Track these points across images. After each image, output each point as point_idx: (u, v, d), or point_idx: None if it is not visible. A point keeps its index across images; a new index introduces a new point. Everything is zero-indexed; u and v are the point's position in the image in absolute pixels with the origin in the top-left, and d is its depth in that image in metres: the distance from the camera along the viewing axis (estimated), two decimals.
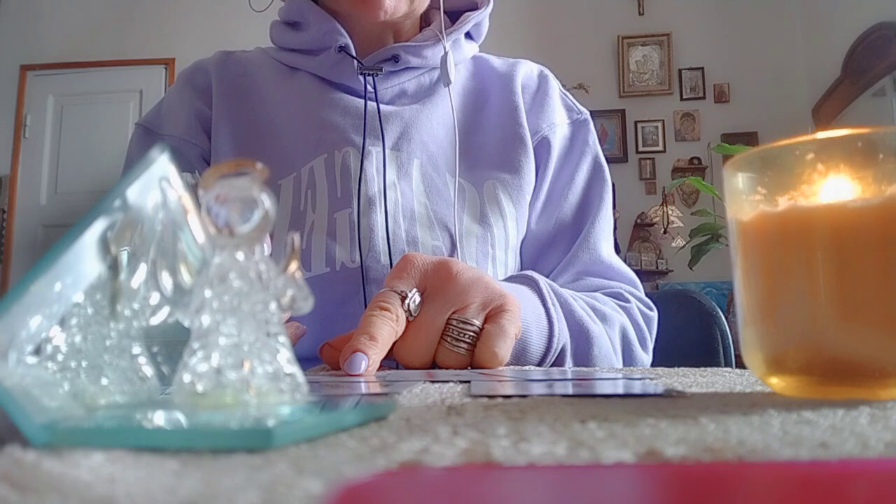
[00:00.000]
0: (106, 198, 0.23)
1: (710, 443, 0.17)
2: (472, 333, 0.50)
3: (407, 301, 0.50)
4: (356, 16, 0.74)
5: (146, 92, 4.05)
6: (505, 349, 0.50)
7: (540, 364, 0.59)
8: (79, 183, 3.91)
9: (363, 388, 0.34)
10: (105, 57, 4.07)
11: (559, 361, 0.60)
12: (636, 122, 4.03)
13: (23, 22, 4.11)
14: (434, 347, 0.50)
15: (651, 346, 0.71)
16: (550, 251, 0.75)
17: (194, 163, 0.73)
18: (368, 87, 0.74)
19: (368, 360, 0.44)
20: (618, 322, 0.67)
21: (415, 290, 0.51)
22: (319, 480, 0.13)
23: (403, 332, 0.50)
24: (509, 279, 0.63)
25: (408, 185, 0.71)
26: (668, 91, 4.05)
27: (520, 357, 0.57)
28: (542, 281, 0.61)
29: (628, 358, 0.68)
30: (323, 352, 0.53)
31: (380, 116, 0.72)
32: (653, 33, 4.01)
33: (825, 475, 0.14)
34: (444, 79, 0.74)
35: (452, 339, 0.50)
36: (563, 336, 0.59)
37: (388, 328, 0.48)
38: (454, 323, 0.50)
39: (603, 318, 0.66)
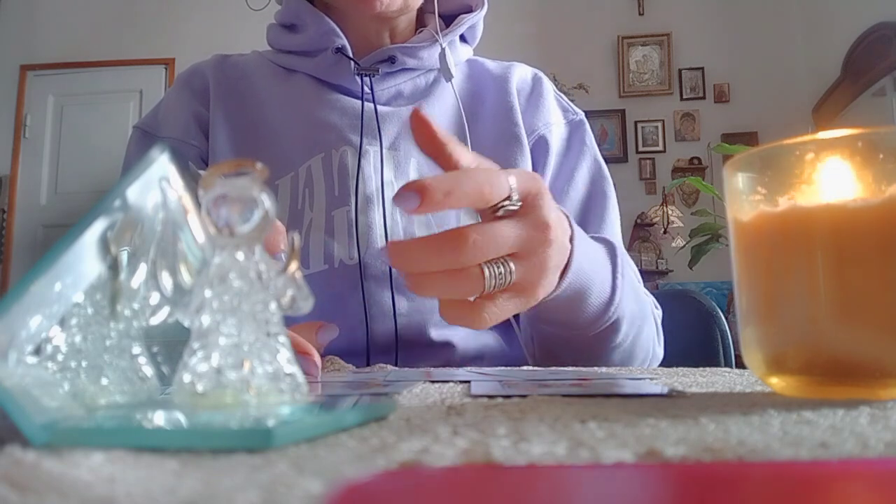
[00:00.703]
0: (106, 198, 0.23)
1: (710, 443, 0.17)
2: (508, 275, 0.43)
3: (506, 203, 0.42)
4: (353, 11, 0.74)
5: (146, 92, 4.05)
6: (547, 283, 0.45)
7: (591, 328, 0.57)
8: (79, 183, 3.91)
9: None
10: (105, 57, 4.07)
11: (612, 330, 0.59)
12: (636, 122, 4.02)
13: (23, 22, 4.11)
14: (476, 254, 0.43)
15: (662, 342, 0.72)
16: None
17: (193, 164, 0.74)
18: (365, 88, 0.74)
19: (420, 201, 0.37)
20: (651, 312, 0.68)
21: (519, 201, 0.43)
22: (319, 480, 0.13)
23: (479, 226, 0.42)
24: (593, 237, 0.60)
25: None
26: (668, 91, 4.04)
27: (573, 314, 0.54)
28: (620, 251, 0.60)
29: (653, 350, 0.68)
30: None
31: (377, 116, 0.73)
32: (653, 33, 4.00)
33: (825, 475, 0.14)
34: (445, 73, 0.75)
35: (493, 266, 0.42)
36: (621, 308, 0.58)
37: (474, 185, 0.39)
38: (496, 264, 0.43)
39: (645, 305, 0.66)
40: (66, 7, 4.12)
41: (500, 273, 0.42)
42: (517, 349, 0.74)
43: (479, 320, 0.42)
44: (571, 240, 0.50)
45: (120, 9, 4.11)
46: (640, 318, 0.63)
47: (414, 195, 0.37)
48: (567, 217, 0.50)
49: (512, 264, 0.43)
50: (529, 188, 0.44)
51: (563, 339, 0.60)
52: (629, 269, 0.62)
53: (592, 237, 0.60)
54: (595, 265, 0.56)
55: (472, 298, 0.42)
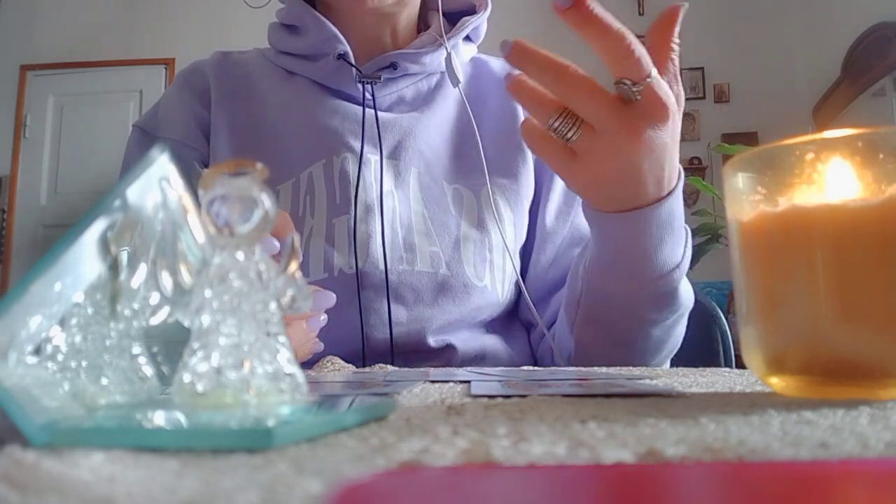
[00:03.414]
0: (106, 198, 0.23)
1: (710, 443, 0.17)
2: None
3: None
4: (347, 8, 0.74)
5: (146, 92, 4.05)
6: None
7: (653, 285, 0.56)
8: (79, 183, 3.91)
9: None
10: (105, 57, 4.07)
11: (662, 302, 0.58)
12: None
13: (23, 22, 4.11)
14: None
15: None
16: (570, 252, 0.75)
17: (197, 165, 0.73)
18: (367, 95, 0.74)
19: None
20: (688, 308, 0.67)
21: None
22: (319, 480, 0.13)
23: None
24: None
25: (405, 194, 0.71)
26: None
27: (654, 250, 0.54)
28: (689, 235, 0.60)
29: (677, 347, 0.67)
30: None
31: (378, 124, 0.72)
32: None
33: (825, 475, 0.14)
34: (453, 79, 0.74)
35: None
36: (681, 275, 0.57)
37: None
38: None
39: None
40: (66, 7, 4.12)
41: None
42: (517, 350, 0.74)
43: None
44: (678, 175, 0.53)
45: (120, 9, 4.11)
46: (687, 304, 0.61)
47: None
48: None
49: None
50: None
51: (621, 297, 0.58)
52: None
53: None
54: (681, 215, 0.56)
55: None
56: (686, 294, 0.60)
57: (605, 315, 0.60)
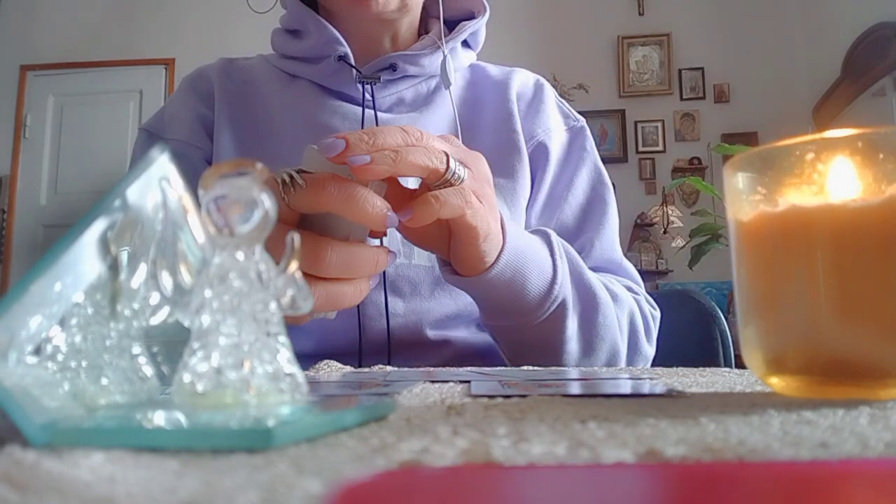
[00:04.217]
0: (106, 198, 0.23)
1: (710, 443, 0.17)
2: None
3: (452, 169, 0.46)
4: (351, 14, 0.74)
5: (146, 92, 4.05)
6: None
7: (538, 311, 0.58)
8: (79, 183, 3.91)
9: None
10: (105, 57, 4.07)
11: (560, 316, 0.59)
12: (636, 122, 4.03)
13: (23, 22, 4.11)
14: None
15: (654, 341, 0.72)
16: None
17: (198, 165, 0.74)
18: (367, 96, 0.74)
19: (345, 146, 0.42)
20: (627, 305, 0.68)
21: (464, 169, 0.47)
22: (319, 480, 0.13)
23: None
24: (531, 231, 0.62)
25: None
26: (668, 91, 4.05)
27: (518, 296, 0.56)
28: (555, 236, 0.61)
29: (633, 346, 0.68)
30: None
31: (377, 123, 0.73)
32: (653, 33, 4.01)
33: (825, 475, 0.14)
34: (445, 81, 0.75)
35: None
36: (564, 288, 0.59)
37: (393, 138, 0.44)
38: None
39: (614, 296, 0.66)
40: (66, 7, 4.12)
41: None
42: None
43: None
44: (502, 224, 0.53)
45: (120, 9, 4.11)
46: (593, 304, 0.62)
47: (340, 142, 0.43)
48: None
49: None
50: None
51: (515, 332, 0.60)
52: (574, 257, 0.62)
53: (530, 232, 0.62)
54: (532, 246, 0.57)
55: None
56: (585, 294, 0.62)
57: (518, 349, 0.62)
